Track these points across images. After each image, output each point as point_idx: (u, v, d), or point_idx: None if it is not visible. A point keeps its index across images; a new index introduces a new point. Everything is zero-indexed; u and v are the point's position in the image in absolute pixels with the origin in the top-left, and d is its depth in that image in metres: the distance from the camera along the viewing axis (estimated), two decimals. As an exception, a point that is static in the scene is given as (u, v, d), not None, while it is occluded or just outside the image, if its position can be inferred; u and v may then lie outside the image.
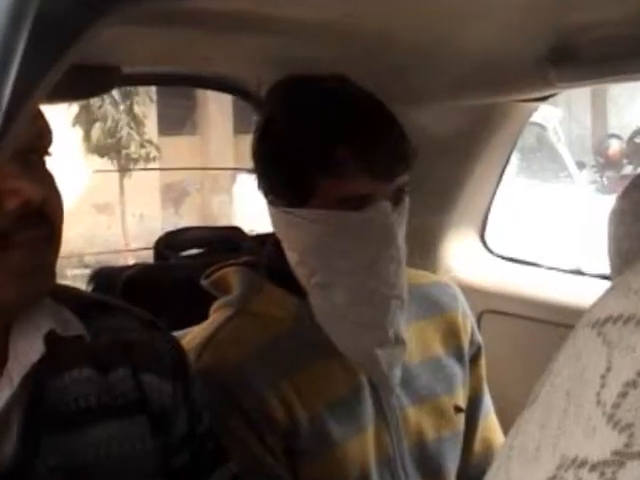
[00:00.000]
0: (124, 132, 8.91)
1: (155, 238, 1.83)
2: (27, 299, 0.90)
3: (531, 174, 7.93)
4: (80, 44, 0.45)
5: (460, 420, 1.36)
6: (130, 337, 1.01)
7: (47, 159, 0.93)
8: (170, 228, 2.08)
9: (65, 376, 0.94)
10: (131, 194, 9.54)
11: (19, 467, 0.88)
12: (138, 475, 0.96)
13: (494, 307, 1.85)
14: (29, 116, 0.47)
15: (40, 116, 0.92)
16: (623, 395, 0.33)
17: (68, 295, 1.01)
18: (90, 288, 1.63)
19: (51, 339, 0.91)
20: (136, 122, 9.07)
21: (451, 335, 1.39)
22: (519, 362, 1.71)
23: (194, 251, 1.84)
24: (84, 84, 1.43)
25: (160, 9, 0.77)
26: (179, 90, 9.78)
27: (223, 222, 9.56)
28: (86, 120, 8.91)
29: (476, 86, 1.51)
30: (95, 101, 8.39)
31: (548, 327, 1.70)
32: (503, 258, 2.01)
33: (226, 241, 1.82)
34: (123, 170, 9.20)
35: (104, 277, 1.67)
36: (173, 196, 11.12)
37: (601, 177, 10.64)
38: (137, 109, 9.05)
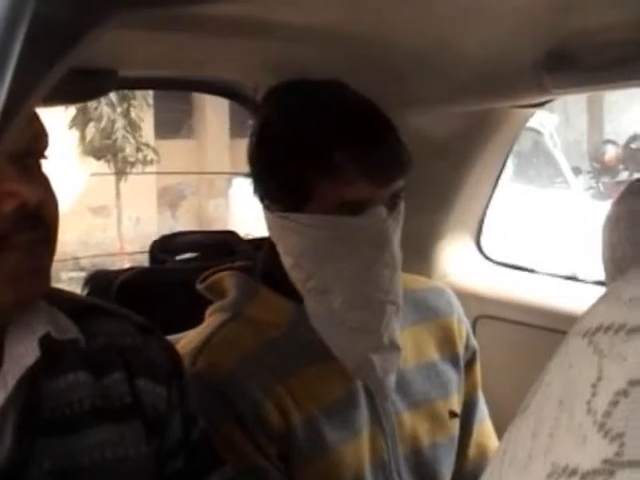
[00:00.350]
0: (119, 134, 8.90)
1: (151, 241, 1.83)
2: (23, 302, 0.90)
3: (527, 180, 7.93)
4: (78, 48, 0.45)
5: (455, 425, 1.36)
6: (125, 341, 1.01)
7: (43, 162, 0.93)
8: (166, 231, 2.08)
9: (60, 380, 0.94)
10: (127, 197, 9.53)
11: (13, 470, 0.88)
12: (132, 479, 0.96)
13: (489, 312, 1.85)
14: (25, 119, 0.47)
15: (36, 119, 0.92)
16: (614, 404, 0.33)
17: (63, 299, 1.01)
18: (85, 291, 1.63)
19: (46, 343, 0.91)
20: (132, 126, 9.06)
21: (446, 340, 1.39)
22: (514, 368, 1.71)
23: (189, 255, 1.84)
24: (82, 87, 1.43)
25: (158, 14, 0.77)
26: (176, 94, 9.77)
27: (219, 226, 9.54)
28: (82, 122, 8.90)
29: (472, 92, 1.51)
30: (92, 103, 8.37)
31: (543, 333, 1.70)
32: (498, 263, 2.01)
33: (221, 245, 1.82)
34: (120, 173, 9.19)
35: (99, 280, 1.67)
36: (169, 199, 11.11)
37: (597, 183, 10.65)
38: (133, 113, 9.04)
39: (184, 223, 10.67)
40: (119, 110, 8.90)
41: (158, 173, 9.87)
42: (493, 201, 1.97)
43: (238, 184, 8.74)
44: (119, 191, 9.45)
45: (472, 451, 1.41)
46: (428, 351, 1.36)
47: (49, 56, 0.44)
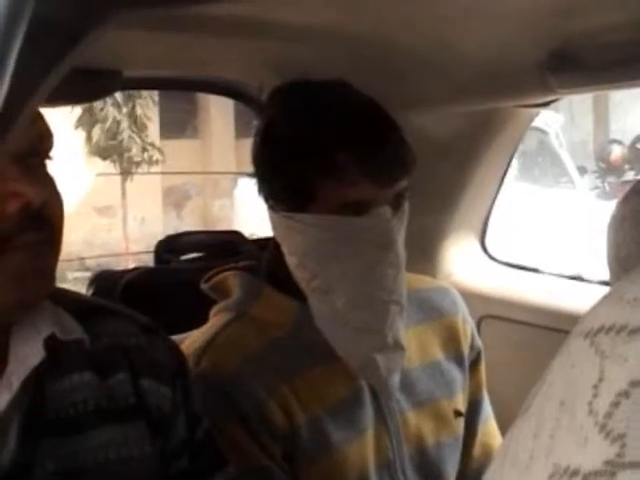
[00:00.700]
0: (125, 135, 8.91)
1: (156, 241, 1.83)
2: (27, 302, 0.90)
3: (532, 179, 7.92)
4: (78, 49, 0.45)
5: (460, 424, 1.36)
6: (130, 342, 1.01)
7: (49, 162, 0.93)
8: (171, 231, 2.09)
9: (65, 380, 0.94)
10: (133, 197, 9.54)
11: (18, 471, 0.88)
12: (137, 479, 0.96)
13: (494, 312, 1.85)
14: (27, 120, 0.47)
15: (41, 119, 0.92)
16: (615, 405, 0.33)
17: (68, 299, 1.01)
18: (90, 291, 1.64)
19: (51, 343, 0.91)
20: (137, 125, 9.07)
21: (451, 340, 1.39)
22: (519, 367, 1.71)
23: (194, 255, 1.84)
24: (86, 87, 1.43)
25: (159, 14, 0.77)
26: (181, 94, 9.78)
27: (224, 226, 9.55)
28: (89, 123, 8.92)
29: (476, 92, 1.51)
30: (98, 104, 8.39)
31: (548, 333, 1.70)
32: (503, 263, 2.01)
33: (226, 245, 1.82)
34: (125, 173, 9.20)
35: (104, 280, 1.67)
36: (174, 199, 11.12)
37: (602, 183, 10.62)
38: (139, 112, 9.05)
39: (189, 223, 10.68)
40: (124, 110, 8.91)
41: (163, 173, 9.89)
42: (498, 201, 1.97)
43: (243, 184, 8.75)
44: (124, 191, 9.46)
45: (477, 451, 1.41)
46: (433, 350, 1.36)
47: (49, 56, 0.44)
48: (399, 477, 1.27)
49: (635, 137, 11.14)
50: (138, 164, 9.17)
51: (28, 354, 0.90)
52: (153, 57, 1.45)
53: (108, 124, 8.78)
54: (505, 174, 1.91)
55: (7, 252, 0.86)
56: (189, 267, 1.76)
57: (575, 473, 0.33)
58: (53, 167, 0.94)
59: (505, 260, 2.02)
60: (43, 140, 0.92)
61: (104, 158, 9.15)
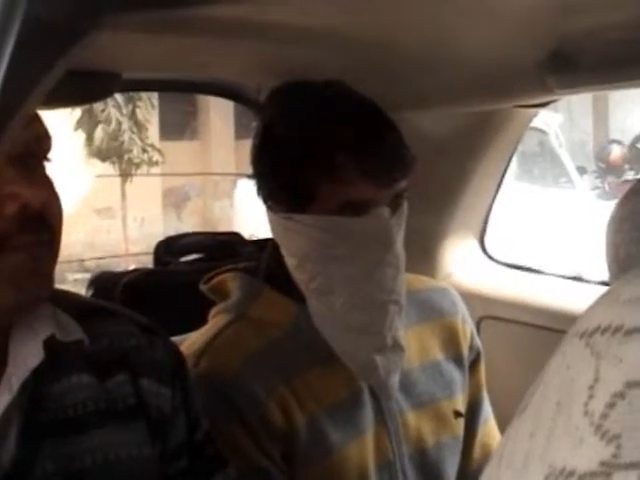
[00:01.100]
0: (126, 136, 8.92)
1: (156, 242, 1.83)
2: (25, 304, 0.90)
3: (532, 179, 7.92)
4: (74, 52, 0.45)
5: (460, 425, 1.36)
6: (129, 342, 1.01)
7: (48, 164, 0.93)
8: (171, 232, 2.08)
9: (64, 381, 0.94)
10: (132, 199, 9.54)
11: (17, 472, 0.88)
12: (136, 480, 0.96)
13: (493, 313, 1.85)
14: (23, 122, 0.47)
15: (38, 121, 0.92)
16: (611, 406, 0.33)
17: (67, 300, 1.01)
18: (90, 293, 1.64)
19: (50, 344, 0.91)
20: (138, 127, 9.08)
21: (450, 340, 1.39)
22: (518, 368, 1.71)
23: (194, 256, 1.84)
24: (85, 89, 1.43)
25: (155, 16, 0.77)
26: (180, 96, 9.79)
27: (224, 227, 9.56)
28: (88, 124, 8.92)
29: (475, 92, 1.51)
30: (98, 105, 8.39)
31: (548, 333, 1.70)
32: (503, 264, 2.01)
33: (225, 246, 1.82)
34: (125, 175, 9.20)
35: (104, 282, 1.67)
36: (174, 201, 11.13)
37: (602, 183, 10.62)
38: (140, 114, 9.05)
39: (189, 224, 10.69)
40: (125, 112, 8.92)
41: (163, 175, 9.89)
42: (498, 201, 1.97)
43: (243, 185, 8.75)
44: (124, 193, 9.46)
45: (476, 451, 1.41)
46: (432, 351, 1.37)
47: (43, 58, 0.44)
48: (399, 478, 1.27)
49: (635, 137, 11.15)
50: (138, 165, 9.16)
51: (27, 355, 0.90)
52: (152, 59, 1.45)
53: (112, 126, 8.78)
54: (504, 174, 1.91)
55: (5, 253, 0.86)
56: (188, 268, 1.76)
57: (571, 474, 0.33)
58: (53, 169, 0.94)
59: (505, 260, 2.02)
60: (41, 142, 0.92)
61: (103, 160, 9.15)
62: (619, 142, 11.14)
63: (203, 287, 1.34)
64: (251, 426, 1.17)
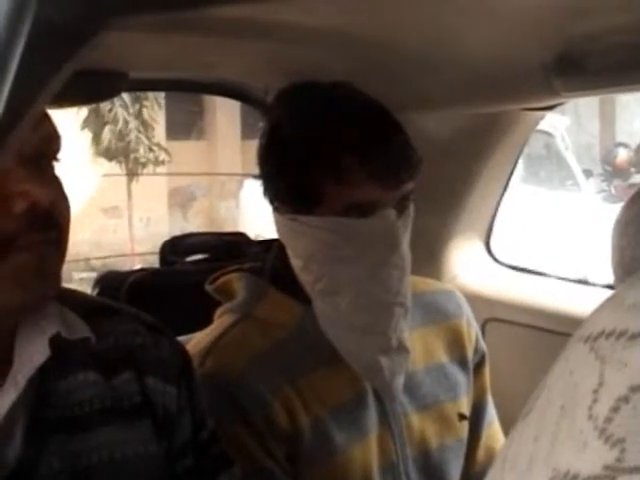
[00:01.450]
0: (133, 136, 8.92)
1: (162, 242, 1.83)
2: (32, 303, 0.91)
3: (538, 182, 7.91)
4: (82, 53, 0.45)
5: (464, 428, 1.36)
6: (135, 341, 1.02)
7: (56, 163, 0.94)
8: (177, 232, 2.09)
9: (70, 379, 0.94)
10: (139, 198, 9.55)
11: (23, 469, 0.88)
12: (141, 479, 0.97)
13: (498, 315, 1.85)
14: (32, 122, 0.47)
15: (48, 121, 0.93)
16: (615, 410, 0.33)
17: (74, 299, 1.01)
18: (95, 292, 1.64)
19: (56, 342, 0.92)
20: (145, 126, 9.09)
21: (455, 343, 1.39)
22: (523, 371, 1.71)
23: (199, 256, 1.85)
24: (92, 89, 1.43)
25: (167, 17, 0.78)
26: (187, 96, 9.79)
27: (230, 227, 9.56)
28: (95, 124, 8.93)
29: (481, 94, 1.51)
30: (105, 105, 8.40)
31: (553, 336, 1.70)
32: (508, 266, 2.01)
33: (231, 247, 1.82)
34: (131, 174, 9.21)
35: (109, 281, 1.68)
36: (180, 200, 11.13)
37: (608, 186, 10.60)
38: (146, 114, 9.06)
39: (195, 224, 10.69)
40: (131, 111, 8.93)
41: (169, 174, 9.90)
42: (504, 203, 1.96)
43: (249, 186, 8.75)
44: (130, 192, 9.47)
45: (480, 454, 1.41)
46: (437, 353, 1.36)
47: (52, 59, 0.44)
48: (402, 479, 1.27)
49: (642, 140, 11.12)
50: (144, 165, 9.17)
51: (34, 353, 0.91)
52: (159, 59, 1.45)
53: (119, 126, 8.79)
54: (510, 177, 1.91)
55: (13, 252, 0.86)
56: (194, 268, 1.76)
57: (574, 478, 0.33)
58: (60, 168, 0.94)
59: (510, 263, 2.02)
60: (51, 142, 0.93)
61: (110, 159, 9.16)
62: (626, 145, 11.11)
63: (209, 287, 1.34)
64: (256, 426, 1.17)
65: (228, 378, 1.20)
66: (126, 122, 8.81)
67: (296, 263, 1.24)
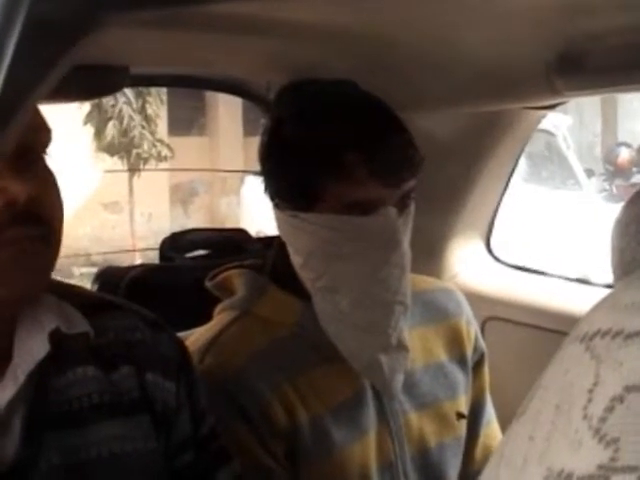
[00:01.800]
0: (136, 131, 8.92)
1: (163, 237, 1.83)
2: (15, 299, 0.90)
3: (539, 181, 7.90)
4: (77, 50, 0.45)
5: (462, 426, 1.36)
6: (134, 336, 1.02)
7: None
8: (178, 228, 2.08)
9: (69, 374, 0.94)
10: (140, 194, 9.55)
11: (22, 464, 0.88)
12: (140, 474, 0.97)
13: (498, 314, 1.85)
14: (26, 119, 0.47)
15: (36, 113, 0.91)
16: (610, 410, 0.33)
17: (73, 294, 1.01)
18: (95, 287, 1.64)
19: (56, 337, 0.92)
20: (148, 122, 9.08)
21: (454, 341, 1.39)
22: (523, 370, 1.70)
23: (199, 252, 1.85)
24: (92, 84, 1.43)
25: (162, 14, 0.77)
26: (189, 91, 9.79)
27: (231, 223, 9.56)
28: (98, 119, 8.92)
29: (482, 93, 1.50)
30: (108, 100, 8.40)
31: (552, 335, 1.70)
32: (508, 265, 2.01)
33: (231, 243, 1.82)
34: (134, 170, 9.20)
35: (109, 276, 1.68)
36: (182, 196, 11.13)
37: (610, 185, 10.59)
38: (149, 109, 9.06)
39: (196, 220, 10.69)
40: (135, 107, 8.92)
41: (170, 170, 9.89)
42: (504, 202, 1.96)
43: (250, 182, 8.75)
44: (132, 188, 9.47)
45: (479, 453, 1.41)
46: (436, 352, 1.36)
47: (45, 56, 0.44)
48: (401, 478, 1.27)
49: (643, 140, 11.10)
50: (146, 160, 9.17)
51: (33, 347, 0.91)
52: (160, 54, 1.45)
53: (125, 121, 8.78)
54: (511, 176, 1.91)
55: None
56: (194, 265, 1.76)
57: (569, 477, 0.33)
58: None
59: (510, 262, 2.02)
60: (38, 134, 0.91)
61: (112, 155, 9.16)
62: (628, 145, 11.09)
63: (208, 284, 1.34)
64: (254, 423, 1.18)
65: (227, 375, 1.20)
66: (131, 118, 8.81)
67: (296, 260, 1.24)
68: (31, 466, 0.89)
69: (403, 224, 1.20)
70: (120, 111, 8.76)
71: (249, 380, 1.20)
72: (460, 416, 1.36)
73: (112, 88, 1.56)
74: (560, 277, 1.94)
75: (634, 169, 10.72)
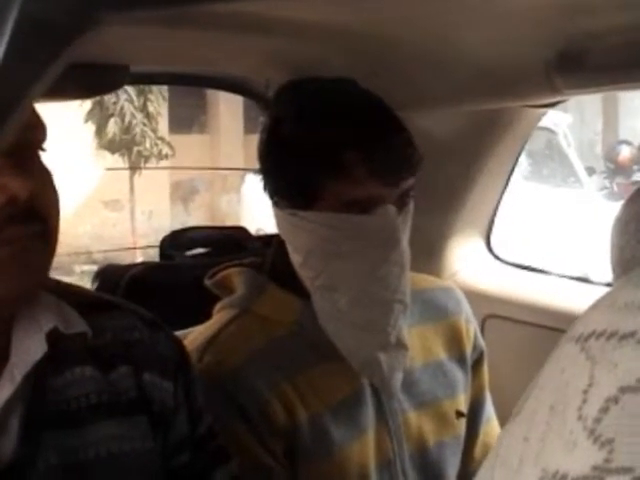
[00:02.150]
0: (138, 129, 8.92)
1: (164, 235, 1.83)
2: (13, 297, 0.90)
3: (540, 179, 7.90)
4: (72, 50, 0.45)
5: (461, 425, 1.36)
6: (132, 336, 1.02)
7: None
8: (179, 226, 2.08)
9: (67, 374, 0.94)
10: (141, 191, 9.55)
11: (19, 463, 0.88)
12: (138, 474, 0.97)
13: (498, 312, 1.85)
14: (23, 118, 0.46)
15: (31, 110, 0.89)
16: (604, 410, 0.33)
17: (71, 293, 1.01)
18: (95, 285, 1.64)
19: (53, 337, 0.91)
20: (149, 119, 9.08)
21: (454, 340, 1.39)
22: (522, 368, 1.70)
23: (199, 250, 1.84)
24: (92, 82, 1.43)
25: (157, 14, 0.77)
26: (190, 89, 9.78)
27: (232, 221, 9.57)
28: (99, 116, 8.92)
29: (482, 91, 1.50)
30: (109, 97, 8.39)
31: (552, 334, 1.70)
32: (508, 263, 2.01)
33: (231, 241, 1.82)
34: (135, 168, 9.20)
35: (109, 274, 1.68)
36: (182, 194, 11.13)
37: (611, 183, 10.59)
38: (151, 107, 9.06)
39: (197, 218, 10.70)
40: (136, 104, 8.92)
41: (171, 168, 9.89)
42: (504, 200, 1.96)
43: (251, 180, 8.75)
44: (133, 185, 9.47)
45: (478, 451, 1.41)
46: (435, 350, 1.36)
47: (38, 57, 0.44)
48: (399, 477, 1.27)
49: (644, 138, 11.10)
50: (147, 158, 9.17)
51: (30, 347, 0.90)
52: (160, 52, 1.45)
53: (127, 118, 8.77)
54: (511, 174, 1.91)
55: None
56: (194, 263, 1.76)
57: (563, 478, 0.33)
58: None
59: (510, 260, 2.02)
60: (33, 131, 0.91)
61: (113, 152, 9.16)
62: (628, 142, 11.09)
63: (208, 282, 1.34)
64: (253, 422, 1.17)
65: (226, 373, 1.20)
66: (133, 115, 8.80)
67: (295, 258, 1.24)
68: (29, 466, 0.89)
69: (402, 222, 1.20)
70: (122, 108, 8.76)
71: (248, 379, 1.19)
72: (459, 415, 1.36)
73: (112, 86, 1.56)
74: (560, 275, 1.94)
75: (635, 167, 10.72)
